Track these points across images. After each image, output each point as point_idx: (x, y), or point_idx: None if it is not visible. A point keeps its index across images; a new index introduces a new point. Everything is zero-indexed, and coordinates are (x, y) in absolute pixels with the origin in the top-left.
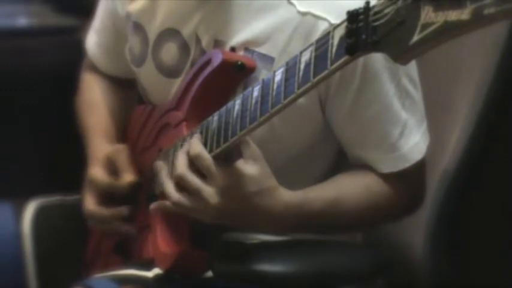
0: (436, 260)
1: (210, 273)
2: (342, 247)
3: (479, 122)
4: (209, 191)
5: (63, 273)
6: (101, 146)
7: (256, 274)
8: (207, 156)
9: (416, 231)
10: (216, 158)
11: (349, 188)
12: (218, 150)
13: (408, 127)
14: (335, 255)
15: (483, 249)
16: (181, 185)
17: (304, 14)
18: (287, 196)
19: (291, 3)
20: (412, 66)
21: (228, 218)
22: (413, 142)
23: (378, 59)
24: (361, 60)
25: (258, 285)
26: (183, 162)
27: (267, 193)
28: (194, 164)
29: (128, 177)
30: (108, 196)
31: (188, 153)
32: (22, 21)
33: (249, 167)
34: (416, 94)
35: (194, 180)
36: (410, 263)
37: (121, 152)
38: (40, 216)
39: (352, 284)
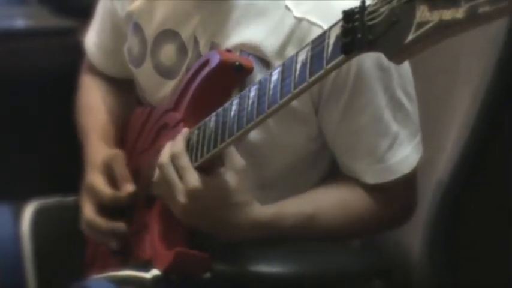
0: (434, 261)
1: (208, 275)
2: (340, 248)
3: (475, 129)
4: (180, 189)
5: (62, 275)
6: (98, 148)
7: (254, 275)
8: (185, 158)
9: (414, 233)
10: (212, 159)
11: (326, 204)
12: (215, 150)
13: (399, 139)
14: (333, 256)
15: (480, 251)
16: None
17: (300, 19)
18: (257, 213)
19: (288, 9)
20: (408, 79)
21: (192, 220)
22: (403, 155)
23: (372, 69)
24: (354, 69)
25: (256, 286)
26: (167, 153)
27: (238, 207)
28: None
29: (128, 188)
30: (106, 204)
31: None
32: (19, 22)
33: (228, 178)
34: (411, 107)
35: (170, 173)
36: (408, 265)
37: (118, 158)
38: (39, 218)
39: (350, 285)
